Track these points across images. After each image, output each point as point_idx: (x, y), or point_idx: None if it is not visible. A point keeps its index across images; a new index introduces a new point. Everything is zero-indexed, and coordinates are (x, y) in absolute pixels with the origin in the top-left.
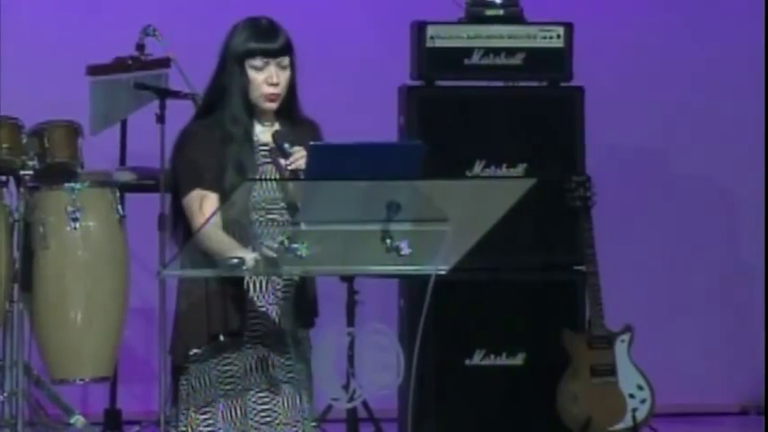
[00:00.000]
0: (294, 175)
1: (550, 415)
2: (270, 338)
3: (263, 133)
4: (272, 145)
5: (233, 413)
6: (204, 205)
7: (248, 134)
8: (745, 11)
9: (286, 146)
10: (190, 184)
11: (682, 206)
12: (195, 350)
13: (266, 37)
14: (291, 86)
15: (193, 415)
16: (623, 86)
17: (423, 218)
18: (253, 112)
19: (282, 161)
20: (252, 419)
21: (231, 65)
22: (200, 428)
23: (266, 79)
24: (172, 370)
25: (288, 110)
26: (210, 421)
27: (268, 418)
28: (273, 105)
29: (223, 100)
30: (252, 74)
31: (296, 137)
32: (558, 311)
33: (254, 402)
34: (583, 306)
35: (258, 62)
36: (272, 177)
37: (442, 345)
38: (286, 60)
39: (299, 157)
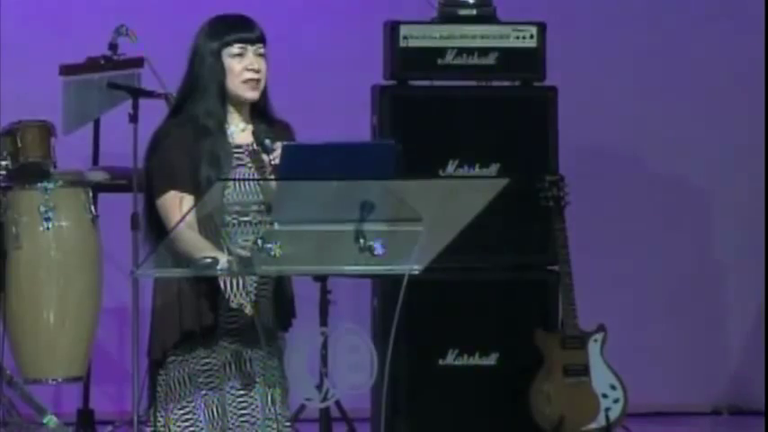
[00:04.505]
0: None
1: (523, 415)
2: (245, 334)
3: (238, 135)
4: (248, 147)
5: (213, 410)
6: (183, 206)
7: (222, 128)
8: (718, 11)
9: (267, 142)
10: (164, 184)
11: (654, 206)
12: (172, 347)
13: (242, 26)
14: (266, 84)
15: (172, 412)
16: (596, 86)
17: (396, 218)
18: (227, 107)
19: (265, 157)
20: (230, 416)
21: (206, 58)
22: (180, 425)
23: (246, 65)
24: (149, 368)
25: (262, 109)
26: (190, 417)
27: (245, 416)
28: (255, 94)
29: (197, 95)
30: (230, 62)
31: (274, 136)
32: (531, 311)
33: (231, 398)
34: (556, 306)
35: (236, 49)
36: (247, 178)
37: (416, 345)
38: (262, 49)
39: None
